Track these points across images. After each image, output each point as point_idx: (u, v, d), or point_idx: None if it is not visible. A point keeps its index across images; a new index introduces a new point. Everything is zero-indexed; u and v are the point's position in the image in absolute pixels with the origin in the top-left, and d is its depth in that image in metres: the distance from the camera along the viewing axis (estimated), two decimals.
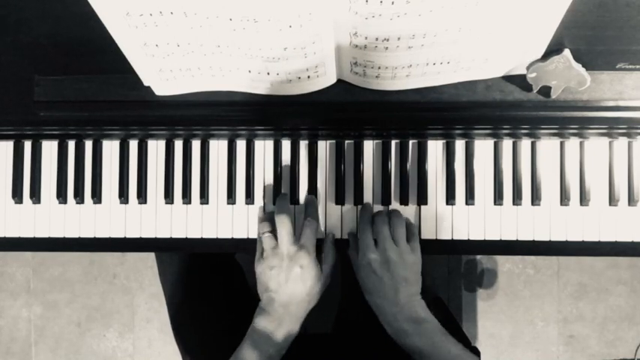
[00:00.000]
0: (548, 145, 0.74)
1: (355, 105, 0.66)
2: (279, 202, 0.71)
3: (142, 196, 0.76)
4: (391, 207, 0.75)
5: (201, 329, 0.88)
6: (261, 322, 0.67)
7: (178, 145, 0.76)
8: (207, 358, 0.87)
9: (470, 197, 0.74)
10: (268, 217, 0.71)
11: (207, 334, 0.88)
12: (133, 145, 0.77)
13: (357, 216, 0.74)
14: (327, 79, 0.64)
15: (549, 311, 1.48)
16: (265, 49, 0.57)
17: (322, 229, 0.75)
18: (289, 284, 0.66)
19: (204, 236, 0.76)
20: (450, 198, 0.74)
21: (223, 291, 0.92)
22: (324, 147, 0.75)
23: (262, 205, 0.76)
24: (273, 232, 0.69)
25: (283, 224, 0.67)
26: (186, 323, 0.87)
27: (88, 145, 0.77)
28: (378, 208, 0.75)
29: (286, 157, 0.75)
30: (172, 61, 0.61)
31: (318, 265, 0.69)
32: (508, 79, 0.65)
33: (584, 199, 0.73)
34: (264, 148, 0.76)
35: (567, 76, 0.61)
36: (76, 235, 0.77)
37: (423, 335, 0.65)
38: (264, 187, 0.76)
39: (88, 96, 0.67)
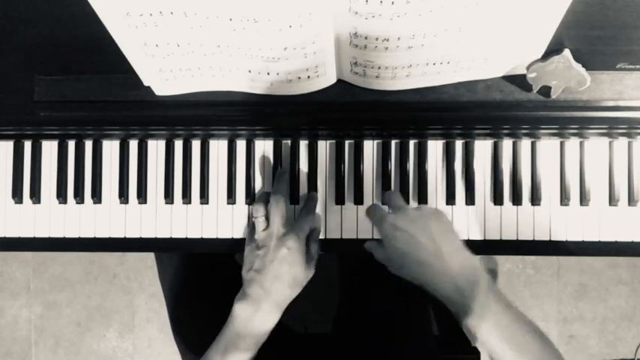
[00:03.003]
0: (548, 145, 0.74)
1: (355, 105, 0.66)
2: (276, 185, 0.71)
3: (142, 196, 0.76)
4: None
5: (201, 329, 0.88)
6: (240, 306, 0.66)
7: (178, 145, 0.76)
8: None
9: (470, 197, 0.74)
10: (263, 199, 0.71)
11: (207, 334, 0.87)
12: (133, 145, 0.77)
13: (357, 216, 0.74)
14: (327, 79, 0.64)
15: (549, 311, 1.48)
16: (265, 49, 0.57)
17: (323, 228, 0.75)
18: (274, 264, 0.66)
19: (204, 236, 0.76)
20: (450, 198, 0.74)
21: (223, 291, 0.91)
22: (324, 147, 0.75)
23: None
24: (266, 216, 0.69)
25: (277, 206, 0.67)
26: (185, 323, 0.87)
27: (88, 145, 0.77)
28: None
29: (286, 157, 0.75)
30: (172, 61, 0.61)
31: (305, 253, 0.68)
32: (508, 79, 0.65)
33: (584, 199, 0.73)
34: (264, 148, 0.76)
35: (567, 76, 0.61)
36: (76, 235, 0.77)
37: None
38: (264, 187, 0.76)
39: (88, 96, 0.67)
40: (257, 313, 0.66)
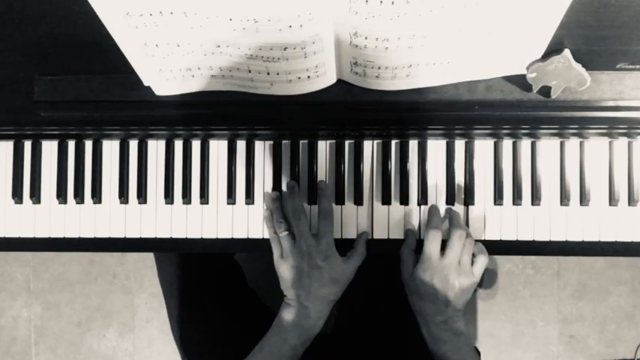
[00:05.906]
0: (548, 145, 0.74)
1: (355, 105, 0.66)
2: (290, 200, 0.71)
3: (142, 196, 0.76)
4: (391, 207, 0.74)
5: (201, 329, 0.88)
6: (287, 315, 0.69)
7: (178, 145, 0.76)
8: (207, 358, 0.87)
9: (470, 197, 0.74)
10: (282, 216, 0.71)
11: (207, 334, 0.88)
12: (133, 145, 0.77)
13: (356, 216, 0.74)
14: (327, 79, 0.64)
15: (549, 311, 1.48)
16: (265, 49, 0.57)
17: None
18: (313, 281, 0.67)
19: (204, 236, 0.76)
20: (450, 198, 0.74)
21: (222, 291, 0.92)
22: (324, 147, 0.75)
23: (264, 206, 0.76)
24: (290, 230, 0.70)
25: (299, 221, 0.68)
26: (185, 323, 0.87)
27: (88, 145, 0.77)
28: (377, 206, 0.74)
29: (286, 157, 0.75)
30: (172, 61, 0.61)
31: (339, 258, 0.69)
32: (508, 79, 0.65)
33: (584, 199, 0.73)
34: (264, 148, 0.76)
35: (567, 76, 0.61)
36: (76, 235, 0.77)
37: (457, 348, 0.67)
38: (264, 187, 0.76)
39: (88, 96, 0.67)
40: (305, 320, 0.68)
